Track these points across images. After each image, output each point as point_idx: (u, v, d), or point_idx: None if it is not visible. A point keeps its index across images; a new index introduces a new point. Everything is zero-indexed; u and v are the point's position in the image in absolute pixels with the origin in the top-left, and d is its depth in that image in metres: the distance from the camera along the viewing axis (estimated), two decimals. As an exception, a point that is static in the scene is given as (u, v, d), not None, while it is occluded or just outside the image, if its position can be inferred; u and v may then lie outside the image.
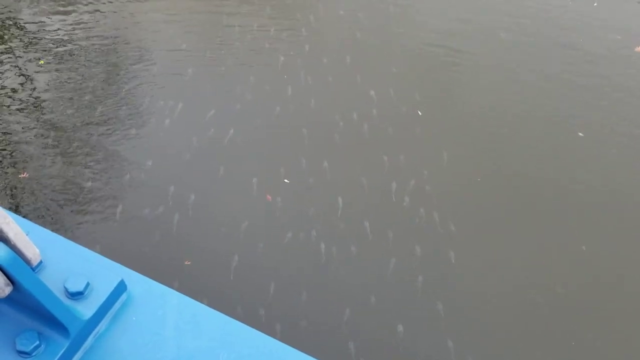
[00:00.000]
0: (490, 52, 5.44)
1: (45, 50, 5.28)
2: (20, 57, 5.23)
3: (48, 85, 4.92)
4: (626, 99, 4.97)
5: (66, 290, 1.02)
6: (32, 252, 0.97)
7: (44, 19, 5.70)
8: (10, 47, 5.34)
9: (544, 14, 5.87)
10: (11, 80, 4.99)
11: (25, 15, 5.77)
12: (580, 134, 4.63)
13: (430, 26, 5.67)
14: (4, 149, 4.35)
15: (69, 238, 1.20)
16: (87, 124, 4.57)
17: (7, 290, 0.87)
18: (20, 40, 5.43)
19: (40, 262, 1.03)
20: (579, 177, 4.32)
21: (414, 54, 5.38)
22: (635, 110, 4.88)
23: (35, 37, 5.45)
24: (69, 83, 4.94)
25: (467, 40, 5.52)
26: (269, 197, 4.06)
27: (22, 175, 4.12)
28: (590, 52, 5.44)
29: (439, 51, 5.39)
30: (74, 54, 5.26)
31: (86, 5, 5.89)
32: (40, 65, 5.09)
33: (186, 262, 3.65)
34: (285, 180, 4.17)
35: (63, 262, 1.06)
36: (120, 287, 1.09)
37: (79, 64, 5.16)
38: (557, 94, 4.99)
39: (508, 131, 4.65)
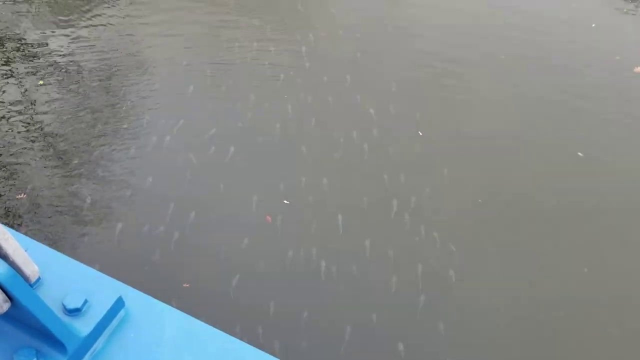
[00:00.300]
0: (490, 72, 5.47)
1: (45, 66, 5.31)
2: (20, 72, 5.26)
3: (48, 101, 4.94)
4: (626, 119, 4.99)
5: (64, 306, 1.01)
6: (31, 268, 0.97)
7: (44, 34, 5.74)
8: (10, 62, 5.38)
9: (543, 36, 5.91)
10: (10, 95, 5.01)
11: (25, 30, 5.82)
12: (580, 154, 4.63)
13: (430, 46, 5.72)
14: (3, 165, 4.36)
15: (68, 254, 1.19)
16: (87, 139, 4.58)
17: (5, 306, 0.86)
18: (20, 55, 5.47)
19: (39, 278, 1.02)
20: (579, 197, 4.32)
21: (414, 73, 5.41)
22: (635, 130, 4.90)
23: (35, 53, 5.49)
24: (68, 99, 4.97)
25: (466, 61, 5.56)
26: (268, 218, 4.05)
27: (19, 197, 4.12)
28: (589, 72, 5.48)
29: (439, 71, 5.42)
30: (73, 70, 5.30)
31: (86, 21, 5.94)
32: (39, 85, 5.12)
33: (184, 285, 3.63)
34: (285, 201, 4.16)
35: (61, 279, 1.06)
36: (119, 304, 1.08)
37: (78, 80, 5.20)
38: (557, 114, 5.01)
39: (508, 151, 4.66)
